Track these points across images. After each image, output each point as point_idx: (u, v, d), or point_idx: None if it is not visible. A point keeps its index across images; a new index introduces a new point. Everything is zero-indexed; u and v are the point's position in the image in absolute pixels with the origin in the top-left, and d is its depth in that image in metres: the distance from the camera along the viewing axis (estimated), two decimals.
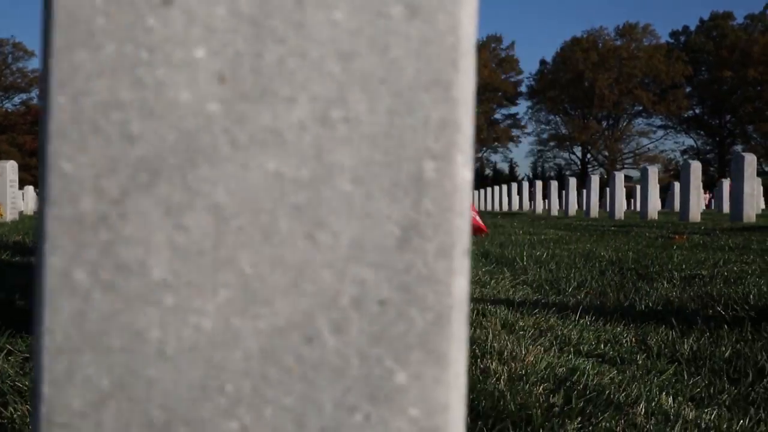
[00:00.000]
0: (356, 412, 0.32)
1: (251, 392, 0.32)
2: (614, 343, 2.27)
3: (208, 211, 0.33)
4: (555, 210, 19.26)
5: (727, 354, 2.07)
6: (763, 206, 25.44)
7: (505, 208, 25.55)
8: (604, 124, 67.39)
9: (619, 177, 14.88)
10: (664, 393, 1.65)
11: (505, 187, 26.18)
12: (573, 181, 17.70)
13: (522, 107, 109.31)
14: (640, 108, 65.12)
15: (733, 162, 10.52)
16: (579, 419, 1.43)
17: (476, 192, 32.40)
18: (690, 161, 11.86)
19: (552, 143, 68.70)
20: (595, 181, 16.48)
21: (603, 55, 63.87)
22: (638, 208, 15.60)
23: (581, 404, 1.56)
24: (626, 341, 2.29)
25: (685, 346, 2.15)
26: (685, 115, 64.71)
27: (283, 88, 0.33)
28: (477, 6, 0.34)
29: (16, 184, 15.50)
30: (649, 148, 66.94)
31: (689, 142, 63.41)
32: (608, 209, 15.58)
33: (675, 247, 5.47)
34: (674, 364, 1.99)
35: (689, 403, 1.59)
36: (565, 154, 69.10)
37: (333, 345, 0.33)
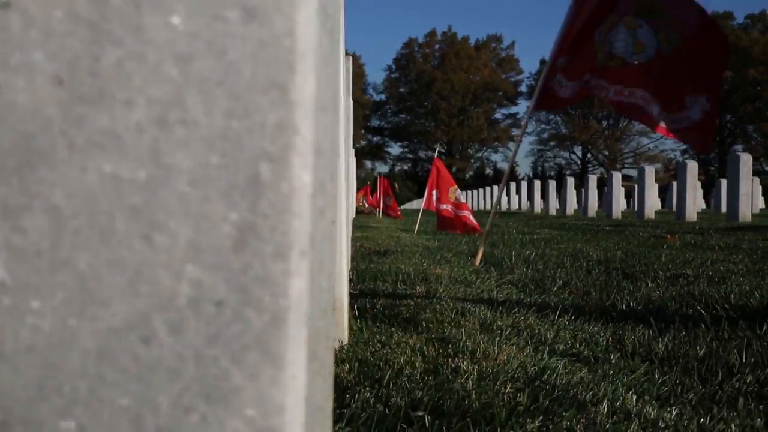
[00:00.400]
0: (193, 412, 0.32)
1: (88, 392, 0.32)
2: (590, 342, 2.27)
3: (45, 213, 0.33)
4: (553, 210, 19.25)
5: (701, 353, 2.07)
6: (762, 205, 25.43)
7: (504, 207, 25.55)
8: (604, 123, 67.34)
9: (617, 176, 14.87)
10: (630, 392, 1.65)
11: (504, 187, 26.05)
12: (571, 181, 17.70)
13: (522, 107, 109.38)
14: None
15: (729, 162, 10.52)
16: (541, 418, 1.43)
17: (475, 191, 32.38)
18: (686, 161, 11.86)
19: (552, 143, 68.69)
20: (592, 180, 16.48)
21: None
22: (636, 208, 15.60)
23: (546, 403, 1.56)
24: (603, 340, 2.29)
25: (660, 346, 2.15)
26: None
27: (120, 90, 0.33)
28: (317, 7, 0.34)
29: None
30: (649, 148, 66.91)
31: None
32: (605, 209, 15.59)
33: (665, 246, 5.47)
34: (647, 363, 1.99)
35: (654, 402, 1.59)
36: (566, 154, 69.08)
37: (170, 345, 0.33)
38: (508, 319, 2.56)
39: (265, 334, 0.33)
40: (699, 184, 22.23)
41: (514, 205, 25.13)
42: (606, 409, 1.49)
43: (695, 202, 11.70)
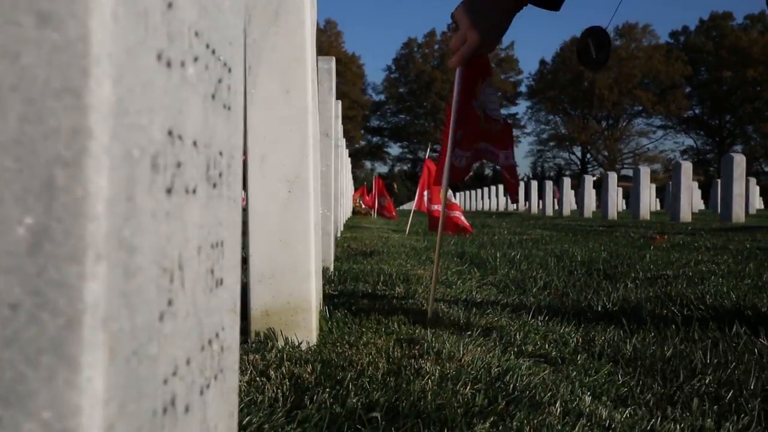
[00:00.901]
0: None
1: None
2: (560, 343, 2.26)
3: None
4: (549, 210, 19.26)
5: (668, 354, 2.07)
6: (760, 206, 25.43)
7: (502, 207, 25.55)
8: (604, 124, 67.41)
9: (612, 177, 14.87)
10: (589, 393, 1.66)
11: (501, 187, 26.15)
12: (567, 181, 17.71)
13: (522, 107, 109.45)
14: (640, 108, 65.15)
15: (723, 163, 10.52)
16: (492, 419, 1.43)
17: (472, 192, 32.39)
18: (681, 161, 11.85)
19: (552, 143, 68.78)
20: (588, 181, 16.48)
21: None
22: (631, 208, 15.60)
23: (503, 404, 1.56)
24: (573, 341, 2.29)
25: (628, 346, 2.15)
26: (685, 116, 64.72)
27: None
28: (112, 12, 0.34)
29: None
30: (648, 148, 67.00)
31: (689, 142, 63.42)
32: (602, 209, 15.59)
33: (652, 247, 5.47)
34: (611, 364, 1.99)
35: (610, 402, 1.59)
36: (565, 154, 69.15)
37: None
38: (482, 320, 2.56)
39: (61, 337, 0.33)
40: (696, 184, 22.22)
41: (512, 206, 25.12)
42: (559, 409, 1.49)
43: (690, 202, 11.70)
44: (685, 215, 11.45)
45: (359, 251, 5.16)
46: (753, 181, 16.86)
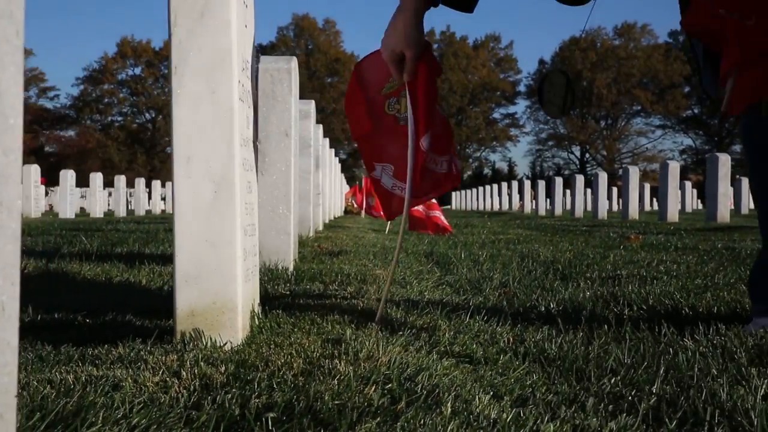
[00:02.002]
0: None
1: None
2: (490, 343, 2.27)
3: None
4: (543, 210, 19.26)
5: (592, 354, 2.08)
6: (753, 206, 25.38)
7: (496, 207, 25.54)
8: (603, 123, 67.39)
9: (602, 177, 14.87)
10: (491, 393, 1.66)
11: (496, 187, 26.14)
12: (559, 181, 17.71)
13: (520, 107, 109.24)
14: (639, 108, 65.14)
15: (708, 162, 10.52)
16: (378, 420, 1.44)
17: (467, 191, 32.38)
18: (668, 162, 11.86)
19: (550, 143, 68.75)
20: (580, 180, 16.49)
21: (601, 55, 63.86)
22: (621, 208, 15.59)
23: (402, 404, 1.57)
24: (503, 341, 2.30)
25: (554, 347, 2.16)
26: (684, 115, 64.70)
27: None
28: None
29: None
30: (647, 148, 66.94)
31: (688, 141, 63.39)
32: (593, 209, 15.59)
33: (622, 247, 5.48)
34: (534, 364, 2.00)
35: (509, 403, 1.60)
36: (564, 154, 69.11)
37: None
38: (419, 320, 2.57)
39: None
40: (689, 184, 22.17)
41: (505, 206, 25.12)
42: (450, 410, 1.50)
43: (677, 202, 11.70)
44: (672, 215, 11.45)
45: (327, 251, 5.17)
46: (744, 180, 16.84)
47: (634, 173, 13.53)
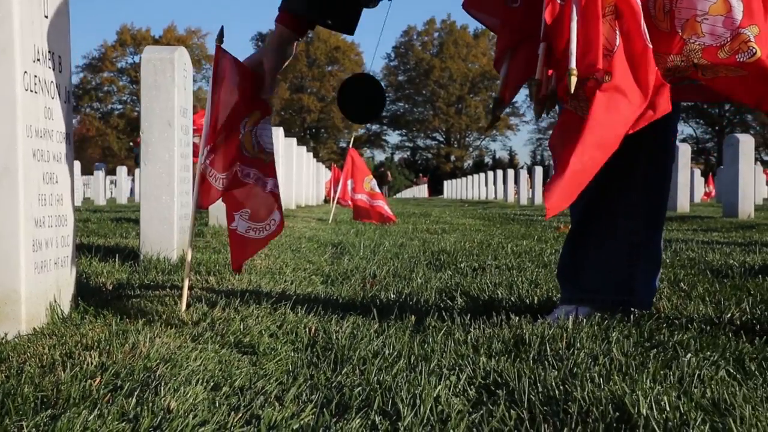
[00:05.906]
0: None
1: None
2: (289, 334, 2.25)
3: None
4: (524, 200, 19.21)
5: (375, 346, 2.06)
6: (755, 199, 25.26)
7: (483, 197, 25.49)
8: None
9: None
10: (211, 383, 1.66)
11: (482, 176, 26.07)
12: (539, 170, 17.65)
13: (521, 95, 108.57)
14: None
15: (678, 153, 10.44)
16: (49, 412, 1.44)
17: (457, 180, 32.27)
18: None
19: (551, 131, 68.35)
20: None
21: None
22: None
23: (108, 395, 1.57)
24: (304, 333, 2.28)
25: (342, 339, 2.14)
26: (685, 104, 64.25)
27: None
28: None
29: None
30: None
31: (688, 130, 63.03)
32: None
33: (537, 237, 5.45)
34: (305, 352, 1.99)
35: (228, 390, 1.59)
36: None
37: None
38: (236, 314, 2.53)
39: None
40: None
41: (491, 195, 25.06)
42: (135, 400, 1.49)
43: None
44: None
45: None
46: (697, 171, 16.72)
47: None
